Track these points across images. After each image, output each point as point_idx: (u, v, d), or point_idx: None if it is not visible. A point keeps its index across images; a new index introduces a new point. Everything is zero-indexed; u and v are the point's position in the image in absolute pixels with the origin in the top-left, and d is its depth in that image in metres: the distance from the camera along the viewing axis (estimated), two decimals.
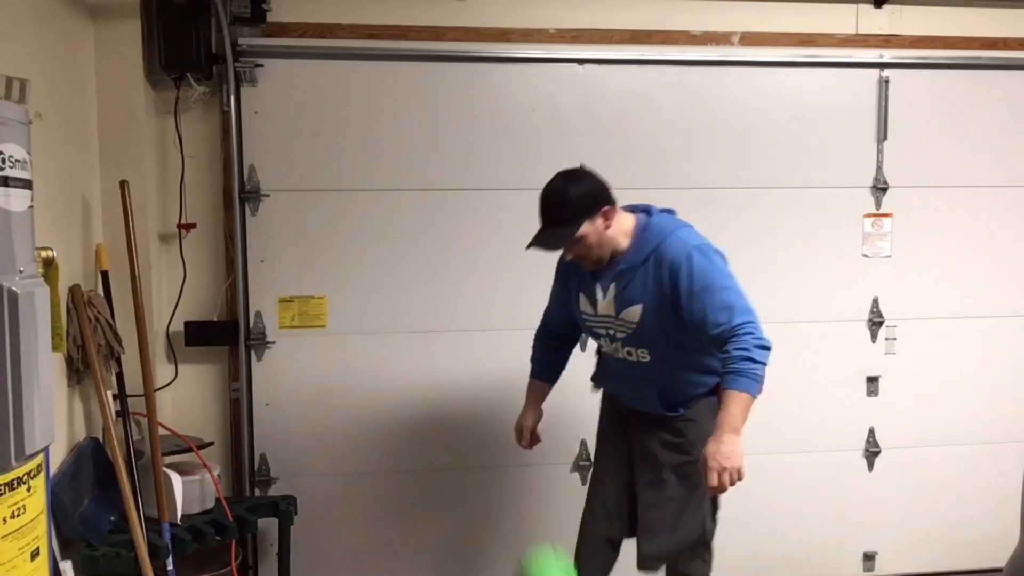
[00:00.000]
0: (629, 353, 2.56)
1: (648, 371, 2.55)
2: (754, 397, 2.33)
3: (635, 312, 2.47)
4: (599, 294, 2.55)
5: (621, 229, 2.50)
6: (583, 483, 3.37)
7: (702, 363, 2.54)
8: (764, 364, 2.33)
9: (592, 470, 2.91)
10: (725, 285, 2.40)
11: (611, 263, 2.52)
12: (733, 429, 2.31)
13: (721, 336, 2.35)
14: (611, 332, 2.57)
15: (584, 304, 2.61)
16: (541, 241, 2.46)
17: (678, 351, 2.51)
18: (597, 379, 2.85)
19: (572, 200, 2.43)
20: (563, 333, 2.82)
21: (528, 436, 2.82)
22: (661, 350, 2.51)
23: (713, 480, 2.30)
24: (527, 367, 2.86)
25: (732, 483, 2.31)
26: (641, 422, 2.64)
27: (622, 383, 2.69)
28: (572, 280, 2.66)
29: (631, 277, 2.48)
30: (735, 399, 2.32)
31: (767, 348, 2.34)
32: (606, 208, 2.45)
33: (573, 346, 2.88)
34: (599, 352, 2.79)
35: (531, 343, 2.88)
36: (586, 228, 2.42)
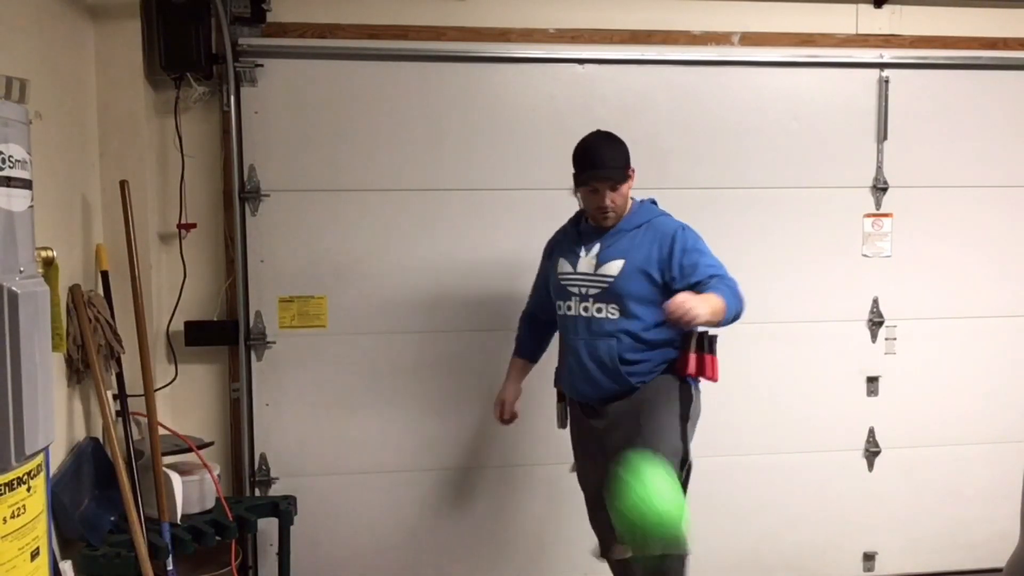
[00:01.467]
0: (599, 310, 2.70)
1: (612, 329, 2.68)
2: (724, 317, 2.49)
3: (615, 266, 2.68)
4: (581, 253, 2.76)
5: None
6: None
7: (661, 335, 2.67)
8: (740, 309, 2.57)
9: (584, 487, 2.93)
10: (713, 254, 2.69)
11: (598, 229, 2.76)
12: (706, 300, 2.43)
13: (708, 275, 2.59)
14: (583, 290, 2.73)
15: (563, 266, 2.79)
16: (612, 173, 2.65)
17: (640, 311, 2.66)
18: (558, 377, 2.91)
19: (626, 149, 2.72)
20: (546, 316, 2.95)
21: (509, 410, 2.99)
22: (630, 307, 2.66)
23: (672, 307, 2.38)
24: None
25: (686, 320, 2.37)
26: (601, 421, 2.73)
27: (581, 360, 2.72)
28: (554, 252, 2.88)
29: (617, 239, 2.72)
30: (715, 298, 2.47)
31: (742, 304, 2.58)
32: (633, 168, 2.72)
33: (554, 329, 2.96)
34: (561, 335, 2.87)
35: (518, 326, 3.05)
36: (629, 177, 2.70)
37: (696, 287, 2.57)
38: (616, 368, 2.68)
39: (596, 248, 2.74)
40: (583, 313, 2.74)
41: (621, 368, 2.67)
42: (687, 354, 2.70)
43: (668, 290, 2.61)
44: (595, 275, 2.72)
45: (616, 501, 2.37)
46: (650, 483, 2.33)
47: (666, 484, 2.35)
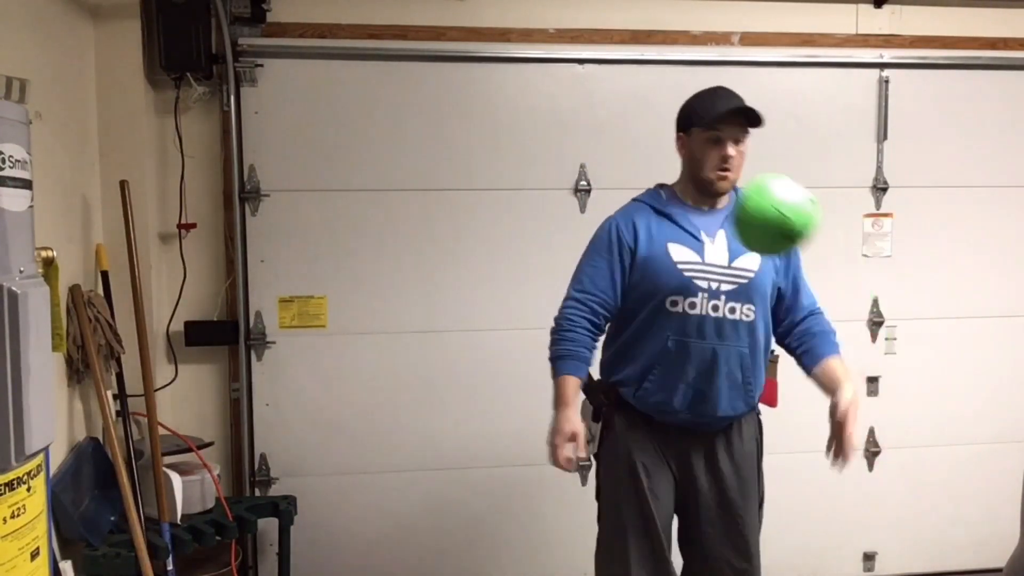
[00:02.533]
0: (732, 310, 2.32)
1: (746, 335, 2.34)
2: None
3: (753, 259, 2.34)
4: (705, 239, 2.34)
5: None
6: (583, 484, 3.36)
7: (768, 348, 2.45)
8: None
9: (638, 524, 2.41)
10: None
11: (707, 213, 2.40)
12: (855, 388, 2.34)
13: (813, 306, 2.48)
14: (715, 285, 2.32)
15: (680, 252, 2.33)
16: (749, 113, 2.30)
17: (770, 316, 2.42)
18: (635, 385, 2.38)
19: None
20: (609, 311, 2.40)
21: (580, 451, 2.28)
22: (764, 308, 2.37)
23: (854, 434, 2.28)
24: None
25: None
26: (704, 442, 2.40)
27: (699, 368, 2.32)
28: (650, 236, 2.37)
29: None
30: (844, 364, 2.42)
31: None
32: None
33: (602, 334, 2.48)
34: (632, 361, 2.39)
35: (554, 334, 2.41)
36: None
37: (800, 321, 2.43)
38: (748, 383, 2.36)
39: (722, 235, 2.35)
40: (712, 313, 2.31)
41: (751, 383, 2.37)
42: (771, 383, 2.46)
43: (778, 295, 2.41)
44: (730, 268, 2.33)
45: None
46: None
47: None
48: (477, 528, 3.51)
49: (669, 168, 3.46)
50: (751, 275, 2.34)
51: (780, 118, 3.51)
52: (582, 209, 3.40)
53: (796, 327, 2.47)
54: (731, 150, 2.32)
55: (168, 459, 2.92)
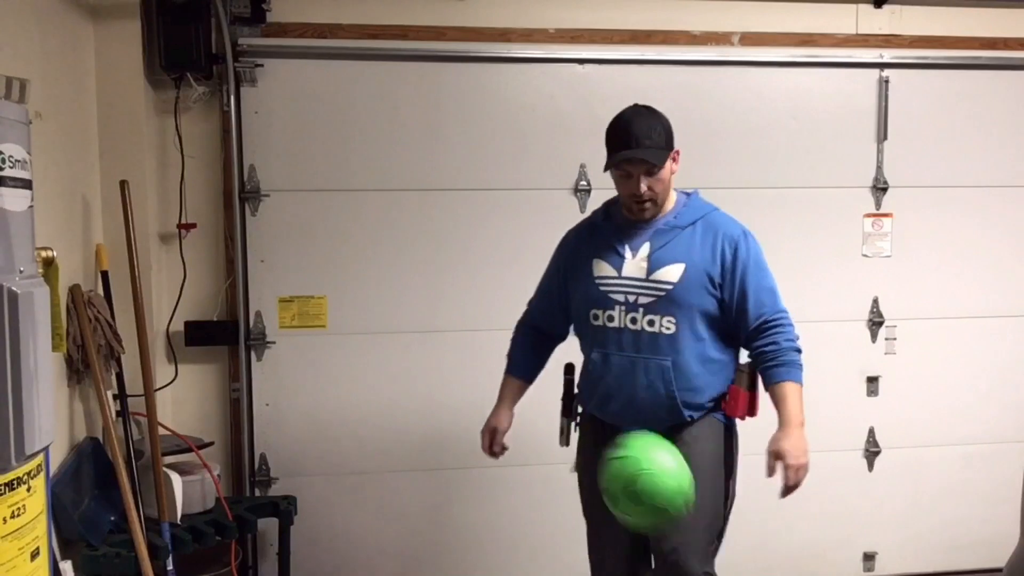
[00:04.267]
0: (651, 323, 2.33)
1: (667, 348, 2.33)
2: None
3: (674, 271, 2.33)
4: (627, 254, 2.38)
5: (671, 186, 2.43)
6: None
7: (715, 357, 2.39)
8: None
9: (588, 526, 2.61)
10: (770, 271, 2.43)
11: (641, 225, 2.40)
12: (800, 423, 2.31)
13: (763, 319, 2.36)
14: (632, 298, 2.35)
15: (601, 268, 2.40)
16: (648, 153, 2.28)
17: (702, 328, 2.35)
18: (581, 391, 2.54)
19: (668, 125, 2.36)
20: (550, 328, 2.61)
21: (500, 441, 2.58)
22: (689, 319, 2.33)
23: (792, 479, 2.28)
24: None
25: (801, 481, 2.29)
26: None
27: (625, 381, 2.37)
28: (581, 251, 2.47)
29: (671, 237, 2.37)
30: (794, 391, 2.33)
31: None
32: (678, 150, 2.39)
33: (556, 343, 2.65)
34: (582, 363, 2.52)
35: (512, 337, 2.68)
36: (669, 160, 2.35)
37: (753, 333, 2.34)
38: (671, 396, 2.34)
39: (645, 248, 2.37)
40: (630, 325, 2.35)
41: (677, 396, 2.33)
42: (740, 392, 2.39)
43: (722, 306, 2.36)
44: (647, 281, 2.34)
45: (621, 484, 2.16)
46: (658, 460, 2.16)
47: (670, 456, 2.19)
48: (477, 528, 3.51)
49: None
50: (669, 287, 2.33)
51: (780, 118, 3.51)
52: (582, 209, 3.40)
53: (751, 341, 2.39)
54: (643, 186, 2.32)
55: (168, 459, 2.92)
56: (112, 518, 2.74)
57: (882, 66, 3.54)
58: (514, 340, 2.68)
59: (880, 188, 3.58)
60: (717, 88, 3.47)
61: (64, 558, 2.42)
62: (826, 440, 3.64)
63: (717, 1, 3.46)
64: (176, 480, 2.85)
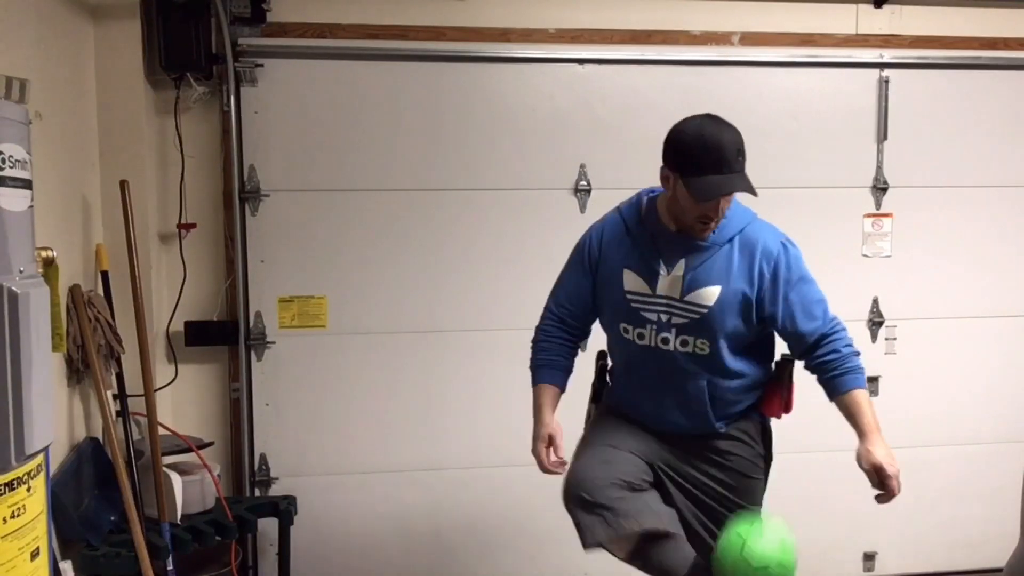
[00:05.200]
0: (683, 343, 2.24)
1: (702, 368, 2.27)
2: None
3: (709, 294, 2.22)
4: (662, 269, 2.24)
5: None
6: None
7: (752, 373, 2.35)
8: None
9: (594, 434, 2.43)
10: (814, 280, 2.31)
11: (679, 237, 2.26)
12: (879, 429, 2.31)
13: (818, 331, 2.27)
14: (664, 318, 2.25)
15: (633, 282, 2.27)
16: (747, 183, 2.15)
17: (739, 349, 2.29)
18: (609, 393, 2.49)
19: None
20: (581, 323, 2.43)
21: (561, 452, 2.31)
22: (726, 343, 2.25)
23: (896, 488, 2.31)
24: (527, 367, 2.56)
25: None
26: (674, 444, 2.36)
27: (652, 394, 2.33)
28: (611, 256, 2.32)
29: (709, 255, 2.23)
30: (866, 398, 2.30)
31: None
32: None
33: (584, 340, 2.50)
34: (610, 360, 2.46)
35: (533, 345, 2.49)
36: None
37: (811, 348, 2.26)
38: (705, 413, 2.29)
39: (681, 266, 2.23)
40: (662, 345, 2.26)
41: (711, 414, 2.29)
42: (779, 394, 2.37)
43: (761, 325, 2.27)
44: (682, 301, 2.23)
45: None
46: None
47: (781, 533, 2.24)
48: (477, 528, 3.51)
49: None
50: (705, 311, 2.23)
51: (780, 118, 3.51)
52: (582, 209, 3.40)
53: (810, 355, 2.32)
54: (720, 205, 2.18)
55: (168, 459, 2.92)
56: (112, 518, 2.74)
57: (882, 66, 3.54)
58: (542, 346, 2.43)
59: (880, 188, 3.58)
60: (717, 88, 3.47)
61: (64, 558, 2.42)
62: (826, 440, 3.63)
63: (717, 1, 3.46)
64: (176, 480, 2.85)
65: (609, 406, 2.48)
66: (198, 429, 3.28)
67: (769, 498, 3.70)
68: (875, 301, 3.62)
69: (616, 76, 3.42)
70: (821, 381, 2.33)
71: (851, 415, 2.32)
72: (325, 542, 3.41)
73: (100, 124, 3.03)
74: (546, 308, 2.47)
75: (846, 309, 3.59)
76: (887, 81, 3.54)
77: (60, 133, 2.67)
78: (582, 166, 3.41)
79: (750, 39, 3.48)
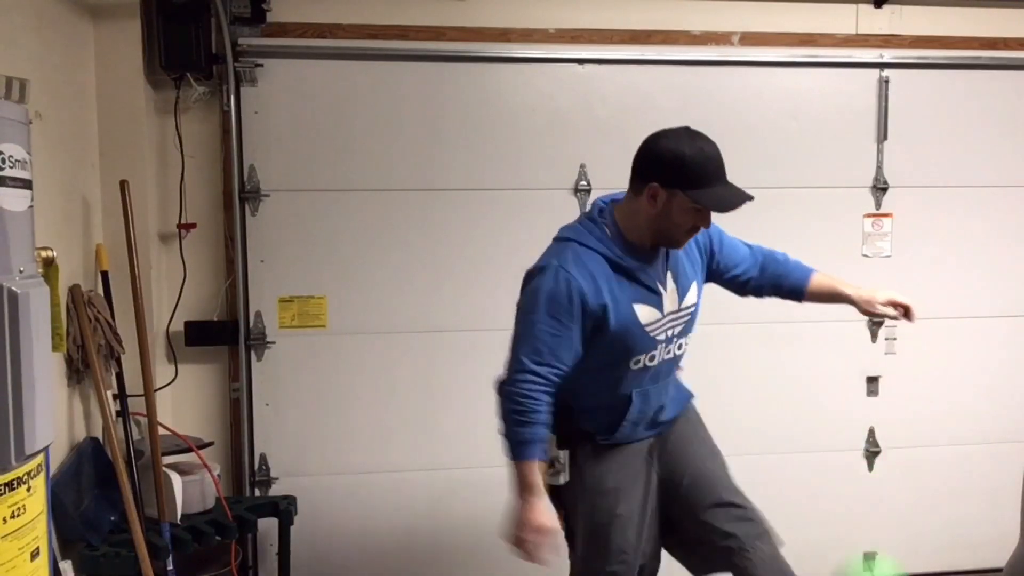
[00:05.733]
0: (680, 346, 2.36)
1: (679, 359, 2.42)
2: None
3: (693, 291, 2.35)
4: (660, 289, 2.26)
5: None
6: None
7: None
8: None
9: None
10: None
11: (653, 251, 2.25)
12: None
13: (758, 249, 2.49)
14: (670, 332, 2.29)
15: (647, 314, 2.22)
16: (749, 197, 2.20)
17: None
18: (590, 425, 2.33)
19: None
20: (565, 379, 2.21)
21: (550, 539, 2.20)
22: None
23: (914, 307, 2.50)
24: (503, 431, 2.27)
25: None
26: (659, 437, 2.43)
27: (655, 401, 2.35)
28: (616, 296, 2.19)
29: (676, 261, 2.32)
30: (826, 275, 2.52)
31: None
32: None
33: None
34: (614, 391, 2.30)
35: (514, 410, 2.18)
36: None
37: (760, 271, 2.45)
38: (683, 386, 2.48)
39: (668, 278, 2.28)
40: (666, 356, 2.31)
41: (686, 396, 2.49)
42: None
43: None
44: (681, 310, 2.31)
45: None
46: None
47: None
48: (477, 528, 3.50)
49: None
50: (693, 307, 2.36)
51: (780, 118, 3.51)
52: (582, 209, 3.40)
53: (761, 273, 2.47)
54: (710, 217, 2.22)
55: (168, 459, 2.92)
56: (112, 518, 2.74)
57: (882, 66, 3.54)
58: (533, 418, 2.16)
59: (880, 188, 3.58)
60: (717, 88, 3.47)
61: (64, 558, 2.42)
62: (826, 440, 3.65)
63: (717, 1, 3.46)
64: (176, 480, 2.85)
65: (599, 458, 2.34)
66: (198, 429, 3.28)
67: (771, 498, 3.71)
68: None
69: (616, 76, 3.42)
70: (784, 285, 2.49)
71: (830, 288, 2.48)
72: (325, 542, 3.41)
73: (100, 124, 3.03)
74: (525, 370, 2.16)
75: (846, 309, 3.60)
76: (887, 81, 3.54)
77: (60, 133, 2.67)
78: (582, 166, 3.41)
79: (750, 39, 3.48)
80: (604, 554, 2.33)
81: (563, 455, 2.31)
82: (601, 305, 2.16)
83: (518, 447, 2.17)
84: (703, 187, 2.13)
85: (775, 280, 2.49)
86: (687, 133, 2.22)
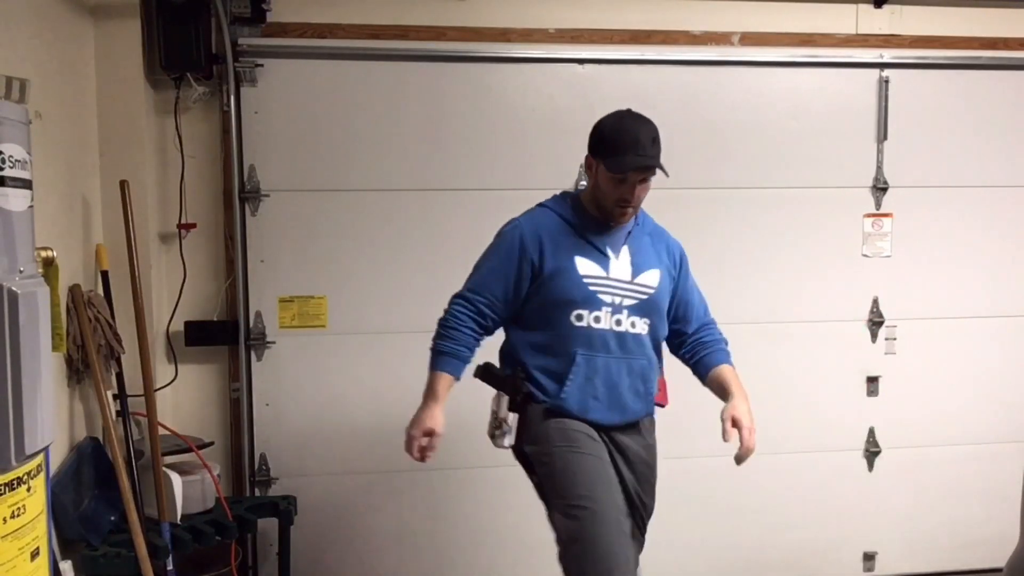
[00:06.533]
0: (633, 324, 2.40)
1: (643, 348, 2.43)
2: None
3: (653, 276, 2.44)
4: (610, 254, 2.40)
5: None
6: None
7: (656, 356, 2.52)
8: None
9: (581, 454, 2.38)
10: None
11: (611, 228, 2.42)
12: (745, 395, 2.46)
13: (706, 316, 2.59)
14: (618, 300, 2.38)
15: (587, 267, 2.37)
16: (656, 162, 2.32)
17: (660, 329, 2.50)
18: (541, 389, 2.41)
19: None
20: (498, 316, 2.43)
21: (437, 444, 2.39)
22: (659, 323, 2.47)
23: (752, 443, 2.41)
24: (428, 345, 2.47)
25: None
26: (617, 443, 2.44)
27: (608, 379, 2.38)
28: (559, 245, 2.39)
29: (642, 243, 2.46)
30: (734, 371, 2.51)
31: None
32: None
33: (487, 338, 2.49)
34: (562, 352, 2.38)
35: (440, 327, 2.44)
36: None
37: (697, 331, 2.54)
38: (649, 393, 2.47)
39: (625, 251, 2.42)
40: (615, 327, 2.38)
41: (651, 392, 2.47)
42: (664, 383, 2.55)
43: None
44: (633, 283, 2.41)
45: None
46: None
47: None
48: (477, 528, 3.51)
49: (668, 168, 3.47)
50: (651, 291, 2.43)
51: (780, 118, 3.51)
52: None
53: (690, 338, 2.56)
54: (636, 193, 2.36)
55: (168, 459, 2.92)
56: (112, 518, 2.74)
57: (882, 66, 3.54)
58: (452, 333, 2.41)
59: (880, 188, 3.58)
60: (717, 88, 3.47)
61: (64, 558, 2.42)
62: (826, 440, 3.65)
63: (717, 1, 3.46)
64: (176, 480, 2.85)
65: (556, 418, 2.40)
66: (198, 429, 3.28)
67: (772, 498, 3.72)
68: (875, 301, 3.62)
69: (616, 76, 3.42)
70: (699, 357, 2.54)
71: (726, 383, 2.48)
72: (325, 542, 3.41)
73: (100, 124, 3.03)
74: (459, 296, 2.46)
75: (846, 309, 3.63)
76: (887, 81, 3.54)
77: (60, 133, 2.67)
78: (582, 166, 3.41)
79: (750, 39, 3.48)
80: (574, 485, 2.33)
81: (512, 418, 2.42)
82: (540, 252, 2.39)
83: (434, 358, 2.44)
84: (614, 155, 2.32)
85: (696, 345, 2.57)
86: (622, 112, 2.43)
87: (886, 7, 3.55)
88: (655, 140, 2.35)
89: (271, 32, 3.25)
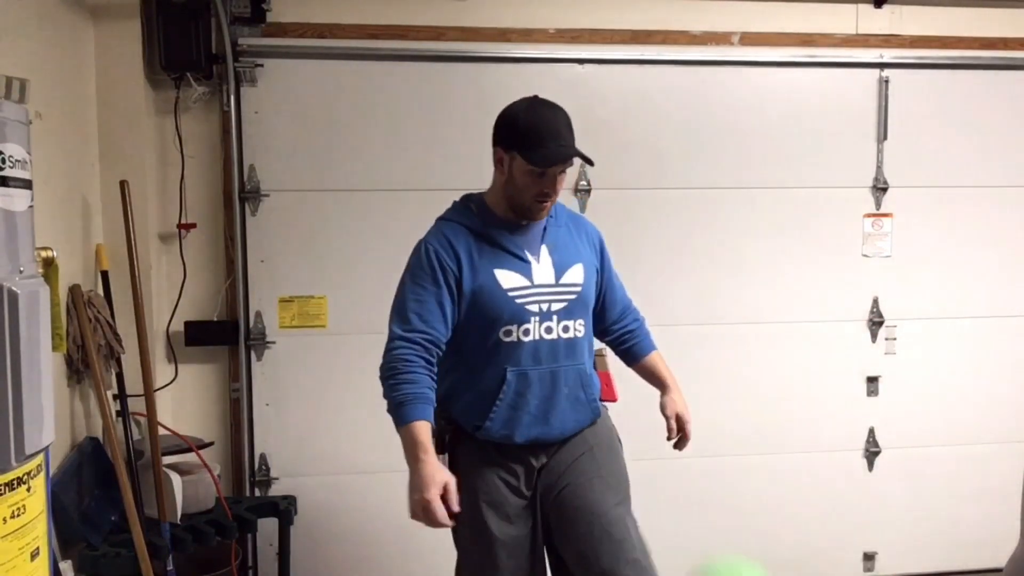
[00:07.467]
0: (565, 329, 2.24)
1: (579, 351, 2.28)
2: None
3: (578, 273, 2.27)
4: (530, 259, 2.23)
5: None
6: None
7: (591, 349, 2.38)
8: None
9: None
10: None
11: (525, 227, 2.25)
12: (677, 384, 2.43)
13: (628, 303, 2.50)
14: (545, 307, 2.22)
15: (509, 279, 2.20)
16: (574, 152, 2.17)
17: (591, 324, 2.36)
18: (465, 416, 2.26)
19: None
20: (441, 345, 2.21)
21: (454, 503, 2.08)
22: (589, 318, 2.32)
23: (690, 434, 2.37)
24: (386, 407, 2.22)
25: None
26: (561, 456, 2.28)
27: (540, 395, 2.23)
28: (475, 263, 2.21)
29: (558, 237, 2.29)
30: (663, 359, 2.48)
31: None
32: None
33: None
34: (491, 371, 2.22)
35: (390, 379, 2.17)
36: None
37: (619, 318, 2.44)
38: (592, 399, 2.29)
39: (544, 251, 2.25)
40: (545, 335, 2.21)
41: (595, 397, 2.31)
42: (609, 376, 2.45)
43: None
44: (559, 285, 2.23)
45: None
46: None
47: None
48: None
49: (669, 168, 3.48)
50: (578, 290, 2.26)
51: (780, 118, 3.51)
52: (582, 209, 3.41)
53: (614, 324, 2.47)
54: (557, 185, 2.20)
55: (168, 459, 2.92)
56: (112, 518, 2.74)
57: (882, 66, 3.54)
58: (408, 378, 2.13)
59: (880, 188, 3.58)
60: (717, 88, 3.47)
61: (64, 558, 2.42)
62: (826, 440, 3.66)
63: (717, 1, 3.46)
64: (176, 480, 2.85)
65: (478, 470, 2.26)
66: (198, 429, 3.28)
67: (771, 498, 3.72)
68: (875, 301, 3.62)
69: (616, 76, 3.42)
70: (626, 346, 2.48)
71: (656, 372, 2.45)
72: (325, 542, 3.41)
73: (100, 124, 3.03)
74: (394, 338, 2.20)
75: (846, 309, 3.62)
76: (887, 81, 3.54)
77: (60, 133, 2.67)
78: (582, 166, 3.41)
79: (750, 39, 3.48)
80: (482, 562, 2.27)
81: (443, 459, 2.24)
82: (455, 264, 2.19)
83: (398, 410, 2.13)
84: (535, 147, 2.14)
85: (623, 333, 2.48)
86: (529, 99, 2.24)
87: (886, 7, 3.55)
88: (570, 127, 2.19)
89: (271, 32, 3.25)
